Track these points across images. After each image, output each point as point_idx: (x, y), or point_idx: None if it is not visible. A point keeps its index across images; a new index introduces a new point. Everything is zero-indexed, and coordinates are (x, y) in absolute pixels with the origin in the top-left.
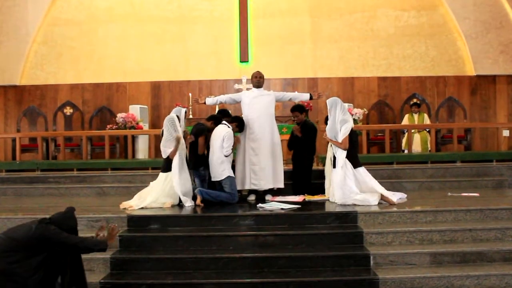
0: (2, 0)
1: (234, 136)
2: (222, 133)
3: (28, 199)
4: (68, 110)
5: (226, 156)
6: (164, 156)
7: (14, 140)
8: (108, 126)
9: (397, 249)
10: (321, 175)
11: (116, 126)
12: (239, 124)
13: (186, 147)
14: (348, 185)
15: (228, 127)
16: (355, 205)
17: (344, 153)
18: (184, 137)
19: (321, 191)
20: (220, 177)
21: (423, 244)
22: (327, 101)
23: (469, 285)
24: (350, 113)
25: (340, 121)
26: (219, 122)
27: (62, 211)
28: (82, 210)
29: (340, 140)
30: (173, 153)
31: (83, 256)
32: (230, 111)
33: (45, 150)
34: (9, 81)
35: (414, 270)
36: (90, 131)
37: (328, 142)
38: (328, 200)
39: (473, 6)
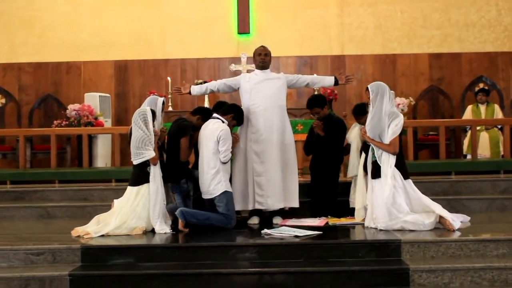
0: None
1: (232, 133)
2: (215, 132)
3: None
4: None
5: (223, 163)
6: (138, 162)
7: None
8: (55, 122)
9: None
10: (349, 189)
11: (67, 122)
12: (236, 116)
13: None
14: (397, 203)
15: (223, 122)
16: (402, 230)
17: (394, 159)
18: (160, 138)
19: (350, 212)
20: (214, 193)
21: (494, 286)
22: (369, 86)
23: None
24: None
25: (388, 115)
26: (209, 117)
27: None
28: (17, 240)
29: (388, 141)
30: (156, 157)
31: None
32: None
33: None
34: None
35: None
36: (30, 129)
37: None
38: (361, 224)
39: None
